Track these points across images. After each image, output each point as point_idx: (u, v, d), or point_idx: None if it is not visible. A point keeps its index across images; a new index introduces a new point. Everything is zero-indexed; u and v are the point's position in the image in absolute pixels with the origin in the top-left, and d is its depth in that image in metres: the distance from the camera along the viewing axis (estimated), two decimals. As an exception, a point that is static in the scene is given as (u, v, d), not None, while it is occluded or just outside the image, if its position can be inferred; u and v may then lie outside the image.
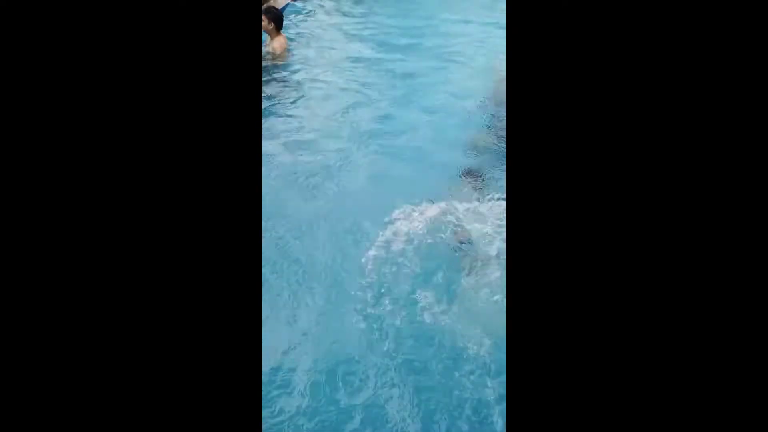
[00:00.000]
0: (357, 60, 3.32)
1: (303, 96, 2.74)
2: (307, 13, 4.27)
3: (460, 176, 2.03)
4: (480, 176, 2.01)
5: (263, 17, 2.98)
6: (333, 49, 3.50)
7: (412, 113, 2.58)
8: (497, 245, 1.38)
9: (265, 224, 1.37)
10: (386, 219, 1.47)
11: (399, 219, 1.47)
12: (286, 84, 2.84)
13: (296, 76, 2.97)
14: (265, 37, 3.06)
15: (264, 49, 3.03)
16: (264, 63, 2.92)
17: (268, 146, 2.03)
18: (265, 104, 2.49)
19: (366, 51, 3.53)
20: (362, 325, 1.25)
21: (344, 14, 4.41)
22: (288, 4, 4.13)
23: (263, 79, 2.77)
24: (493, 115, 2.42)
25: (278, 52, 3.02)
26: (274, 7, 3.07)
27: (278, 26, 3.05)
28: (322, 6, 4.53)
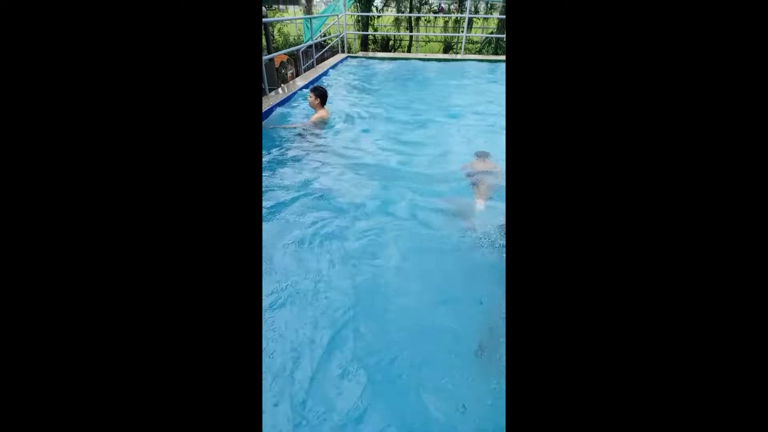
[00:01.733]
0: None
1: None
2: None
3: None
4: None
5: (311, 93, 3.37)
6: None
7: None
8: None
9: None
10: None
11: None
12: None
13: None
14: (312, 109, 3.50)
15: (311, 118, 3.46)
16: (312, 126, 3.36)
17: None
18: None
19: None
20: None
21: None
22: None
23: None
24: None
25: (317, 121, 3.35)
26: (321, 86, 3.47)
27: (323, 102, 3.42)
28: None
